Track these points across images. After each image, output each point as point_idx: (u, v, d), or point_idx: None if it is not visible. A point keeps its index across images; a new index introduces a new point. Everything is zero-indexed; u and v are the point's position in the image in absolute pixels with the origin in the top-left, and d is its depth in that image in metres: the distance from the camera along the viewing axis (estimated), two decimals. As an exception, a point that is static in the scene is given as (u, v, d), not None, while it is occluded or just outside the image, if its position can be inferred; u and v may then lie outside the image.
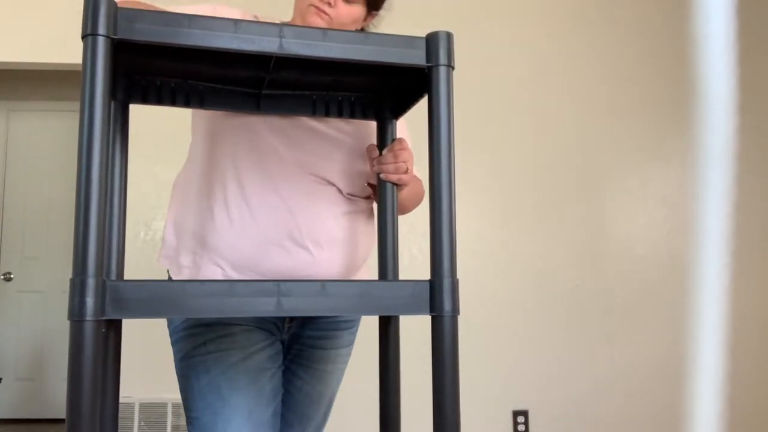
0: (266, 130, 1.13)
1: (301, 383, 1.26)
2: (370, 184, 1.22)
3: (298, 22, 1.16)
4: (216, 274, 1.11)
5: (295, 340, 1.25)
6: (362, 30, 1.27)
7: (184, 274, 1.14)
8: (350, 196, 1.18)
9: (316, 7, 1.13)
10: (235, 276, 1.11)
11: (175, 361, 1.18)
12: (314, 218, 1.12)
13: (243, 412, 1.11)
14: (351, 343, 1.31)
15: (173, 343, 1.18)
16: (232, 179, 1.12)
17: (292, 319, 1.23)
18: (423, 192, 1.33)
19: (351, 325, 1.29)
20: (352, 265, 1.18)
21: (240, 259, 1.10)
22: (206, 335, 1.14)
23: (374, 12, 1.22)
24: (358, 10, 1.17)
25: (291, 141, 1.14)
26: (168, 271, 1.19)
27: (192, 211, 1.15)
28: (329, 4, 1.13)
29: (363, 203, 1.21)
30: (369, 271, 1.27)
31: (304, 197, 1.12)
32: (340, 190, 1.16)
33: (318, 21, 1.14)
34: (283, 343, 1.24)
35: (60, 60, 2.83)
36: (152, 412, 2.68)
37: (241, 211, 1.11)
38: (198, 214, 1.14)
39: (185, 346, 1.15)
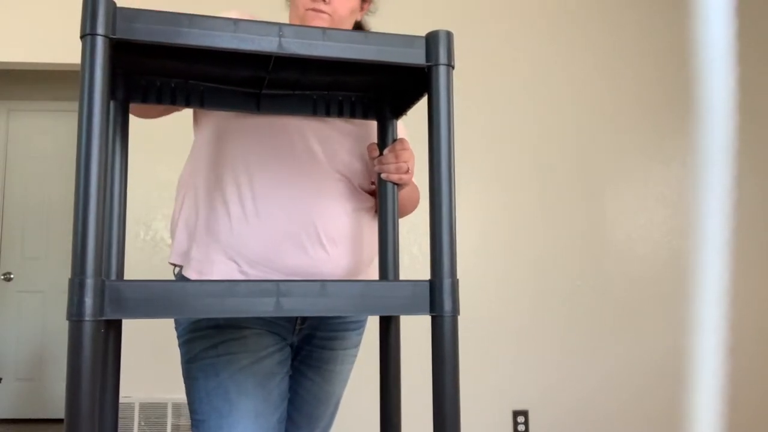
0: (279, 124, 1.13)
1: (310, 384, 1.26)
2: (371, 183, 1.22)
3: None
4: (231, 269, 1.11)
5: (306, 341, 1.25)
6: (361, 20, 1.29)
7: (197, 269, 1.12)
8: (362, 190, 1.19)
9: (314, 9, 1.14)
10: (251, 273, 1.10)
11: (182, 362, 1.17)
12: (328, 214, 1.12)
13: (249, 416, 1.10)
14: (358, 344, 1.31)
15: (181, 345, 1.17)
16: (245, 175, 1.12)
17: (303, 320, 1.22)
18: (419, 198, 1.33)
19: (359, 325, 1.29)
20: (360, 263, 1.18)
21: (255, 255, 1.10)
22: (216, 338, 1.13)
23: None
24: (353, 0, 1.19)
25: (304, 134, 1.14)
26: (177, 269, 1.18)
27: (204, 208, 1.14)
28: (324, 1, 1.14)
29: (369, 200, 1.21)
30: (377, 270, 1.27)
31: (318, 193, 1.12)
32: (351, 182, 1.16)
33: (319, 23, 1.15)
34: (292, 346, 1.23)
35: (60, 60, 2.83)
36: (152, 412, 2.68)
37: (257, 206, 1.10)
38: (211, 211, 1.13)
39: (194, 348, 1.14)
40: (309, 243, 1.10)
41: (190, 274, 1.13)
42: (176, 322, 1.19)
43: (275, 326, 1.18)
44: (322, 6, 1.14)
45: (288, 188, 1.11)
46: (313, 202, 1.11)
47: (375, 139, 1.17)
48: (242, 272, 1.11)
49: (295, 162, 1.12)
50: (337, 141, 1.15)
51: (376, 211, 1.26)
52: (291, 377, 1.25)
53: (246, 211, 1.10)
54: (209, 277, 1.10)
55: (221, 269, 1.11)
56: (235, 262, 1.11)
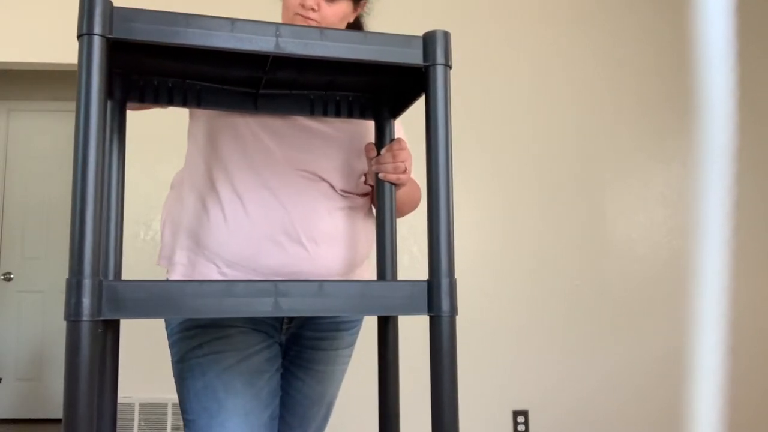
0: (258, 129, 1.13)
1: (301, 384, 1.26)
2: (368, 184, 1.21)
3: None
4: (211, 271, 1.11)
5: (294, 341, 1.25)
6: (357, 19, 1.28)
7: (179, 272, 1.13)
8: (344, 193, 1.18)
9: (302, 16, 1.14)
10: (230, 273, 1.11)
11: (172, 363, 1.17)
12: (308, 214, 1.12)
13: (239, 415, 1.10)
14: (352, 344, 1.30)
15: (170, 346, 1.18)
16: (225, 178, 1.12)
17: (290, 319, 1.22)
18: (420, 197, 1.32)
19: (352, 326, 1.28)
20: (351, 262, 1.17)
21: (234, 256, 1.10)
22: (202, 337, 1.13)
23: (361, 1, 1.22)
24: (343, 6, 1.18)
25: (282, 138, 1.14)
26: (167, 271, 1.18)
27: (187, 210, 1.15)
28: (313, 9, 1.14)
29: (359, 200, 1.21)
30: (371, 269, 1.27)
31: (298, 193, 1.12)
32: (333, 187, 1.16)
33: None
34: (281, 344, 1.23)
35: (60, 60, 2.83)
36: (152, 412, 2.68)
37: (235, 208, 1.10)
38: (193, 213, 1.14)
39: (181, 349, 1.15)
40: (288, 242, 1.10)
41: (174, 277, 1.13)
42: (166, 323, 1.19)
43: (261, 324, 1.18)
44: (311, 14, 1.14)
45: (266, 188, 1.11)
46: (291, 202, 1.11)
47: (359, 143, 1.17)
48: (221, 273, 1.11)
49: (273, 164, 1.12)
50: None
51: (369, 210, 1.25)
52: (282, 377, 1.24)
53: (225, 213, 1.11)
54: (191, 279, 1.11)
55: (202, 272, 1.11)
56: (215, 263, 1.11)
